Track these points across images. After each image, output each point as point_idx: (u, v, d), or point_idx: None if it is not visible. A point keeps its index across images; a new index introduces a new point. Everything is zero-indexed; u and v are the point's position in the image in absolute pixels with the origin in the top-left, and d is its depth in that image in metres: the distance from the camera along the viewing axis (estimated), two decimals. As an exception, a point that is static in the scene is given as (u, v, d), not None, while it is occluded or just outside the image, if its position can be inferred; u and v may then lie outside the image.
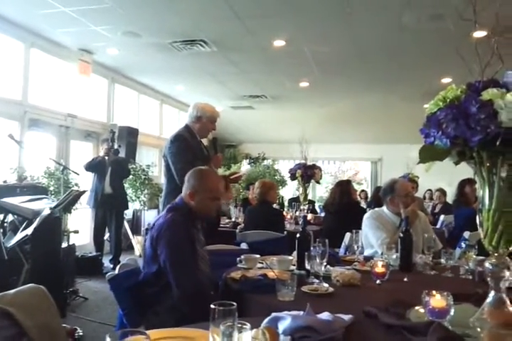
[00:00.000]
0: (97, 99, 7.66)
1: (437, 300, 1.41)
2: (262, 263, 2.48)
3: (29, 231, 3.65)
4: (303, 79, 8.09)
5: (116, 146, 6.45)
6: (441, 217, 6.00)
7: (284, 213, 5.56)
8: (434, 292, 1.42)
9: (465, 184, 4.82)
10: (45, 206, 3.97)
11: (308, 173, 6.01)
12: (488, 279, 1.45)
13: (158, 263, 2.11)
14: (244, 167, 12.00)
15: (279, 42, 6.03)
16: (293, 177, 6.12)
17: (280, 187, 11.04)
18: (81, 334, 3.47)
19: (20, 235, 3.74)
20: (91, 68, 6.72)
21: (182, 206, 2.28)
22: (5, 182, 4.81)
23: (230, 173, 4.06)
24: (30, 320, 1.41)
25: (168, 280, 2.06)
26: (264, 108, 10.58)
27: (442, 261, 2.50)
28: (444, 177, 6.46)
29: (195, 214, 2.29)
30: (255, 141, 12.78)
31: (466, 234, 3.47)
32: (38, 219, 3.72)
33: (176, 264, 2.07)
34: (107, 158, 6.19)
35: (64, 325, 1.82)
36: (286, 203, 7.49)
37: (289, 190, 11.46)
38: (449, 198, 6.72)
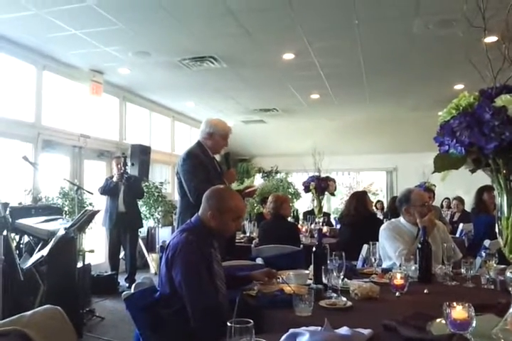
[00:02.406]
0: (109, 118, 7.74)
1: (459, 311, 1.37)
2: (279, 278, 2.45)
3: (45, 252, 3.67)
4: (313, 92, 8.09)
5: (128, 170, 6.50)
6: (460, 225, 5.92)
7: (299, 226, 5.51)
8: (455, 303, 1.38)
9: (483, 191, 4.72)
10: (60, 226, 3.99)
11: (322, 185, 5.98)
12: (510, 289, 1.41)
13: (172, 285, 2.04)
14: (258, 181, 11.98)
15: (288, 56, 6.05)
16: (307, 189, 6.09)
17: (294, 200, 10.99)
18: (98, 354, 3.45)
19: (36, 256, 3.76)
20: (102, 88, 6.82)
21: (198, 225, 2.21)
22: (20, 203, 4.86)
23: (245, 187, 4.03)
24: (46, 342, 1.40)
25: (183, 303, 1.98)
26: (275, 121, 10.62)
27: (463, 271, 2.43)
28: (461, 185, 6.35)
29: (213, 234, 2.22)
30: (268, 155, 12.76)
31: (487, 243, 3.40)
32: (53, 240, 3.73)
33: (191, 285, 1.99)
34: (120, 182, 6.22)
35: (81, 346, 1.82)
36: (301, 216, 7.43)
37: (304, 203, 11.39)
38: (467, 206, 6.60)
